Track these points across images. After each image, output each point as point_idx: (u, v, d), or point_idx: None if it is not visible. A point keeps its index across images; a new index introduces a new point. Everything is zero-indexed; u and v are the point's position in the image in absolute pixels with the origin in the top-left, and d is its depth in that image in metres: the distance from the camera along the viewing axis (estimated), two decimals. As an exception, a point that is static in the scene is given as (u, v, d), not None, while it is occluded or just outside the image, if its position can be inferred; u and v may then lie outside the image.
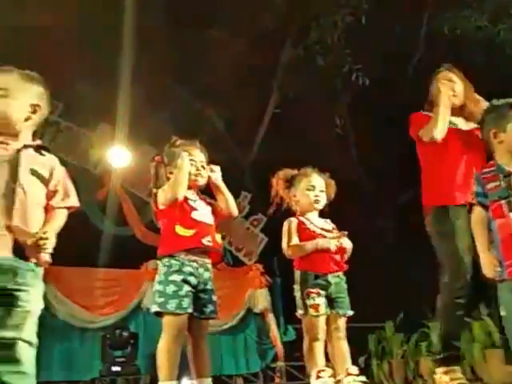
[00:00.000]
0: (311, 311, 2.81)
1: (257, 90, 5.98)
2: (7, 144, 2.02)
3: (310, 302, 2.83)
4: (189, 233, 2.67)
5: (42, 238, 1.92)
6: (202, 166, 2.83)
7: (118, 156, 6.05)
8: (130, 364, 5.64)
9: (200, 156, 2.85)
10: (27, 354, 1.88)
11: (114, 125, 5.68)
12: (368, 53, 5.93)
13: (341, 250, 2.95)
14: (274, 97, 6.36)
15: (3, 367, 1.83)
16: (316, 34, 5.60)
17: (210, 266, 2.76)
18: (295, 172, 3.15)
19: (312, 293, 2.83)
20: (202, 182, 2.83)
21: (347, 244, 2.99)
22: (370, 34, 5.71)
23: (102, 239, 6.30)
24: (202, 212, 2.79)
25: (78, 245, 5.46)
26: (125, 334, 5.87)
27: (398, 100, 6.64)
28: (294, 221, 3.01)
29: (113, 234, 6.50)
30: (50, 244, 1.96)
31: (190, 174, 2.76)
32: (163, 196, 2.72)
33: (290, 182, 3.13)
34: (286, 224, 3.02)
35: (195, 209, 2.76)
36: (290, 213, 3.14)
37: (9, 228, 1.90)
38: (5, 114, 2.01)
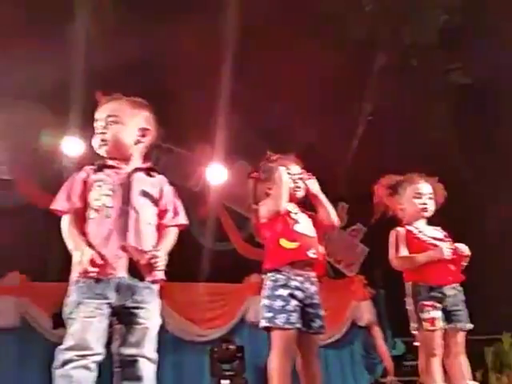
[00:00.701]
0: (426, 325, 2.67)
1: (350, 98, 5.88)
2: (120, 168, 2.12)
3: (424, 315, 2.68)
4: (293, 245, 2.67)
5: (154, 257, 1.99)
6: (299, 178, 2.85)
7: (216, 173, 6.21)
8: (238, 377, 5.68)
9: (296, 169, 2.87)
10: (148, 371, 1.94)
11: (211, 143, 5.84)
12: (468, 51, 5.62)
13: (458, 257, 2.78)
14: (367, 103, 6.23)
15: None
16: (409, 37, 5.41)
17: (315, 279, 2.73)
18: (400, 178, 3.02)
19: (427, 306, 2.69)
20: (300, 194, 2.85)
21: (464, 250, 2.82)
22: (467, 32, 5.41)
23: (204, 254, 6.46)
24: (304, 225, 2.79)
25: (183, 260, 5.64)
26: (231, 347, 5.94)
27: (503, 98, 6.24)
28: (401, 231, 2.88)
29: (214, 248, 6.66)
30: (163, 262, 2.02)
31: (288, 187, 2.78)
32: (265, 210, 2.75)
33: (394, 189, 3.01)
34: (392, 234, 2.89)
35: (297, 221, 2.77)
36: (394, 222, 3.02)
37: (124, 248, 1.98)
38: (117, 139, 2.12)
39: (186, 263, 5.83)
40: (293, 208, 2.81)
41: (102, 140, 2.13)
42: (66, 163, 5.30)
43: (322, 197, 2.83)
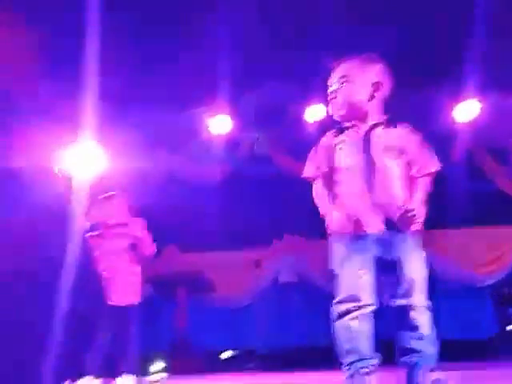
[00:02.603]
0: None
1: None
2: (358, 127, 2.13)
3: None
4: None
5: (408, 211, 1.96)
6: None
7: (467, 110, 5.71)
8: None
9: None
10: (422, 319, 1.94)
11: (457, 80, 5.36)
12: None
13: None
14: None
15: (405, 333, 1.94)
16: None
17: None
18: None
19: None
20: None
21: None
22: None
23: (468, 198, 6.11)
24: None
25: (444, 207, 5.49)
26: (514, 291, 5.59)
27: None
28: None
29: (478, 191, 6.25)
30: (419, 215, 1.98)
31: None
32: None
33: None
34: None
35: None
36: None
37: (375, 204, 1.99)
38: (349, 99, 2.12)
39: (448, 209, 5.62)
40: None
41: (335, 104, 2.17)
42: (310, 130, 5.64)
43: None
